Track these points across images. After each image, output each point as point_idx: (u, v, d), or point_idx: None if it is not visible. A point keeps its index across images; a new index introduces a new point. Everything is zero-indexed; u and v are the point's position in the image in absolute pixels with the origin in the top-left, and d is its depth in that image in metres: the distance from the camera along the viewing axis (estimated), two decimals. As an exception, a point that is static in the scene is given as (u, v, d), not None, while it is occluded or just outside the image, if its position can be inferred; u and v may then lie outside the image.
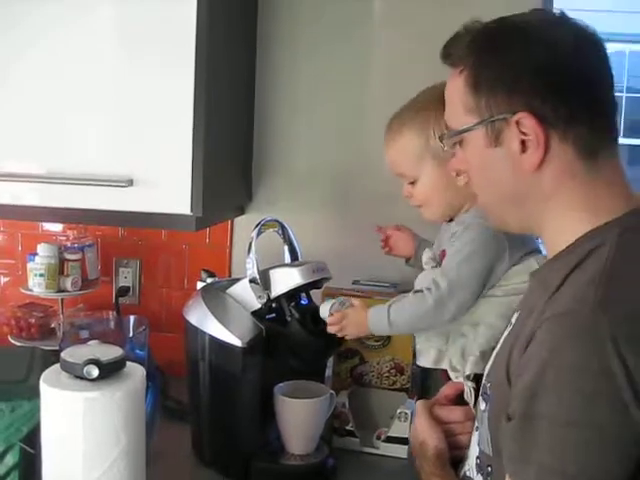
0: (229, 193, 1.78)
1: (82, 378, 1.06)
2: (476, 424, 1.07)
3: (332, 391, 1.42)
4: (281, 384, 1.39)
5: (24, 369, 1.34)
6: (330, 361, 1.57)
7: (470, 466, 1.07)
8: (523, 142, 0.94)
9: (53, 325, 1.92)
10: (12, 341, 1.89)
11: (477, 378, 1.25)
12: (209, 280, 1.56)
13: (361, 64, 1.82)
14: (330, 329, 1.36)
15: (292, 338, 1.37)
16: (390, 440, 1.46)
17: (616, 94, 1.00)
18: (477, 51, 0.97)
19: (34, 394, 1.10)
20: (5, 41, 1.51)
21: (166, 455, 1.37)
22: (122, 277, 1.97)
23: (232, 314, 1.39)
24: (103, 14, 1.48)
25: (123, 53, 1.49)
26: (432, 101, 1.27)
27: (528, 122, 0.92)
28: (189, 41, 1.43)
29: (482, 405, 1.03)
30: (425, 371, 1.41)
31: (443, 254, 1.34)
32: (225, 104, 1.64)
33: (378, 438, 1.48)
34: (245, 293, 1.41)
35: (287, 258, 1.50)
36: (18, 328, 1.90)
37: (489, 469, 1.00)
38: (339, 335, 1.36)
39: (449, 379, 1.30)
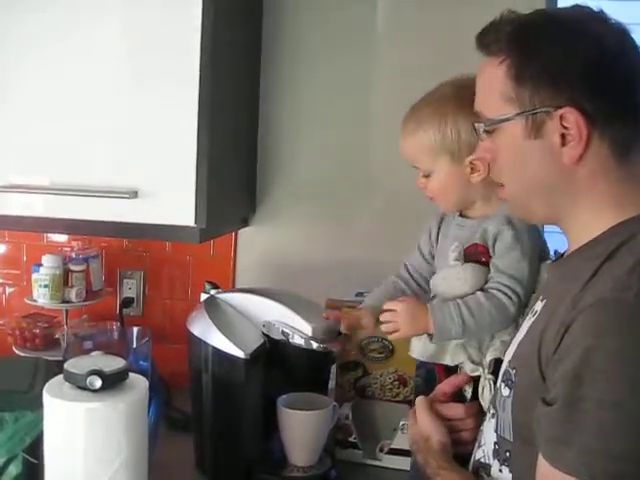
0: (233, 205, 1.79)
1: (85, 389, 1.06)
2: (492, 411, 1.07)
3: (335, 403, 1.42)
4: (284, 396, 1.39)
5: (28, 379, 1.34)
6: (333, 373, 1.57)
7: (486, 453, 1.07)
8: (563, 136, 0.94)
9: (57, 336, 1.92)
10: (16, 351, 1.90)
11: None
12: (213, 292, 1.56)
13: (364, 77, 1.82)
14: (384, 328, 1.31)
15: (293, 350, 1.38)
16: (393, 452, 1.45)
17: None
18: (522, 42, 0.97)
19: (37, 404, 1.11)
20: (6, 49, 1.53)
21: (168, 466, 1.36)
22: (126, 288, 1.98)
23: (235, 326, 1.39)
24: (109, 27, 1.49)
25: (128, 66, 1.50)
26: (450, 98, 1.28)
27: (572, 117, 0.93)
28: (194, 53, 1.44)
29: (505, 391, 1.02)
30: (428, 383, 1.41)
31: (477, 248, 1.33)
32: (229, 116, 1.64)
33: (381, 450, 1.47)
34: (248, 305, 1.41)
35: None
36: (22, 338, 1.91)
37: (507, 454, 1.01)
38: (393, 336, 1.32)
39: (446, 376, 1.30)
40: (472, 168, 1.30)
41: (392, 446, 1.46)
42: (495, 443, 1.04)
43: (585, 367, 0.85)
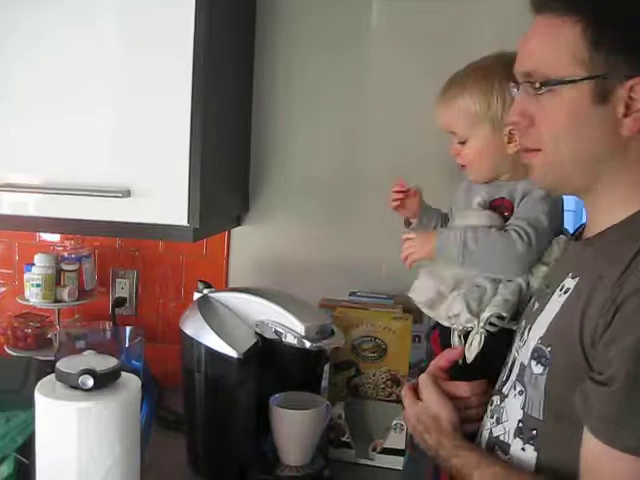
0: (226, 204, 1.79)
1: (77, 388, 1.06)
2: (519, 387, 1.04)
3: (328, 402, 1.42)
4: (277, 395, 1.39)
5: (20, 379, 1.34)
6: (326, 372, 1.57)
7: (506, 430, 1.05)
8: (627, 106, 0.93)
9: (49, 335, 1.91)
10: (8, 351, 1.89)
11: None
12: (205, 291, 1.56)
13: (358, 75, 1.83)
14: (402, 253, 1.38)
15: (285, 349, 1.38)
16: (386, 451, 1.45)
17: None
18: (601, 4, 0.94)
19: (29, 404, 1.10)
20: (3, 50, 1.52)
21: (161, 466, 1.36)
22: (119, 288, 1.97)
23: (228, 325, 1.39)
24: (103, 26, 1.49)
25: (122, 66, 1.49)
26: (499, 67, 1.27)
27: None
28: (187, 52, 1.44)
29: (536, 369, 1.00)
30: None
31: (503, 202, 1.33)
32: (222, 115, 1.64)
33: (374, 449, 1.47)
34: (241, 305, 1.41)
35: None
36: (14, 338, 1.90)
37: (533, 432, 0.99)
38: (406, 259, 1.37)
39: (441, 350, 1.29)
40: (509, 138, 1.29)
41: (385, 445, 1.46)
42: (519, 421, 1.02)
43: None
